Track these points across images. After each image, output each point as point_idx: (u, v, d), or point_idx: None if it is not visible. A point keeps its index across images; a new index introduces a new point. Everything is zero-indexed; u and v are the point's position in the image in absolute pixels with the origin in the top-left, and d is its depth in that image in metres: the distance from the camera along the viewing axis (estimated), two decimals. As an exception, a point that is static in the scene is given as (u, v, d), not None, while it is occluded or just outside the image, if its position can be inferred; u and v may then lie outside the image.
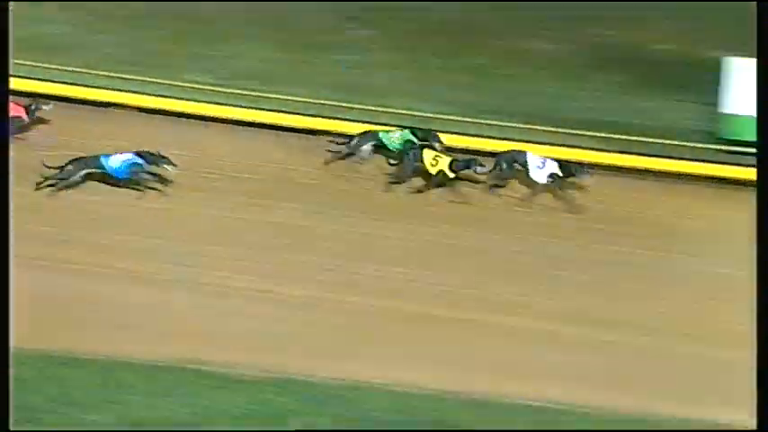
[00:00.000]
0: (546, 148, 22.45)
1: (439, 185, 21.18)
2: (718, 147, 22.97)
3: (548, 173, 21.23)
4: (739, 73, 23.02)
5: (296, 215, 20.39)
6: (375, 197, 21.21)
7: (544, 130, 22.91)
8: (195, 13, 26.09)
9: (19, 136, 21.41)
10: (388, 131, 22.05)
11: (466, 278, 19.15)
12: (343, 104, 23.25)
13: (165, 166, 20.45)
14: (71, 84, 23.10)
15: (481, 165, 21.09)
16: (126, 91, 23.13)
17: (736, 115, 23.07)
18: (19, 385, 14.04)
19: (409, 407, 15.75)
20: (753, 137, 22.91)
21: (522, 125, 22.98)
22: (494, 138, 22.54)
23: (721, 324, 18.22)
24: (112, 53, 24.40)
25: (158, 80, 23.08)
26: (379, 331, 17.77)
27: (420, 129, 22.11)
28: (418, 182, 21.16)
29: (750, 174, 22.37)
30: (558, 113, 23.47)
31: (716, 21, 25.32)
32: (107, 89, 23.09)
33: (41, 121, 22.07)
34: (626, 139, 22.89)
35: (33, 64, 22.75)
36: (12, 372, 13.60)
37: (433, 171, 21.13)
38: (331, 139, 22.19)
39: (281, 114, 22.96)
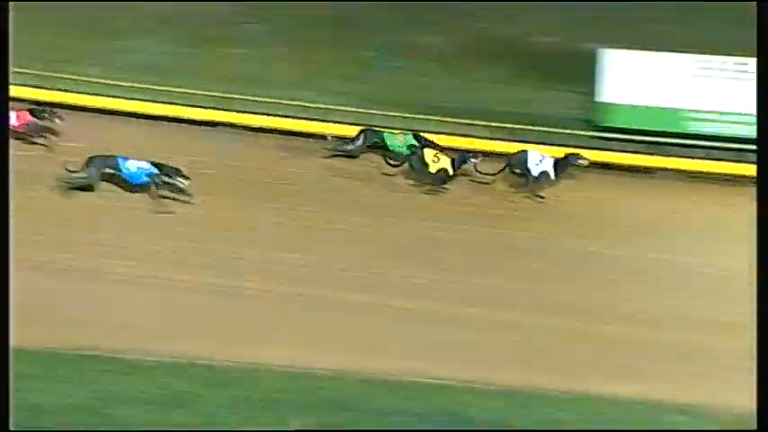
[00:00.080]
0: (436, 137, 22.65)
1: (442, 182, 21.27)
2: (596, 134, 23.34)
3: (541, 170, 21.53)
4: (614, 64, 23.38)
5: (194, 205, 20.33)
6: (267, 186, 21.24)
7: (432, 120, 23.05)
8: (92, 7, 25.78)
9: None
10: (392, 133, 22.24)
11: (361, 262, 19.22)
12: (241, 97, 23.22)
13: (178, 178, 20.23)
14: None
15: (475, 157, 21.34)
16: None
17: (612, 104, 23.43)
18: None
19: (307, 387, 15.76)
20: (627, 124, 23.43)
21: (411, 115, 23.11)
22: (386, 127, 22.68)
23: (621, 303, 18.45)
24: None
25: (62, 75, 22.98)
26: (276, 315, 17.76)
27: (420, 132, 22.31)
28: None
29: (631, 159, 22.81)
30: (444, 104, 23.58)
31: (590, 15, 25.57)
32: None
33: (51, 131, 21.81)
34: (509, 128, 23.11)
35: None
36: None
37: (434, 169, 21.35)
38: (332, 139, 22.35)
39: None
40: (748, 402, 15.27)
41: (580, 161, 21.63)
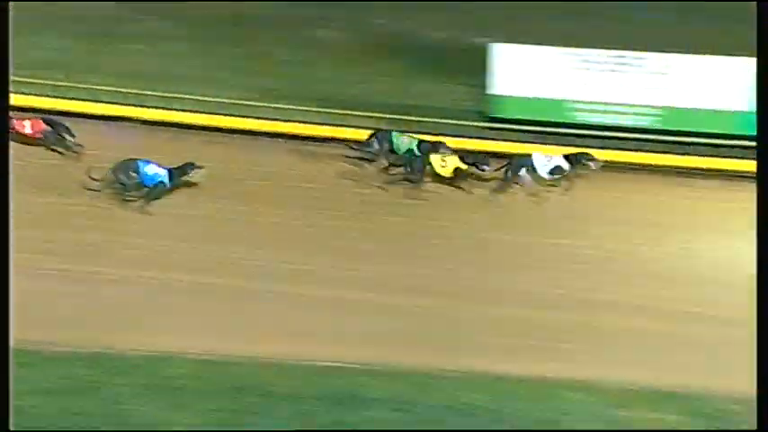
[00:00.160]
0: (339, 130, 22.62)
1: (460, 180, 21.21)
2: (487, 124, 23.47)
3: (551, 167, 21.45)
4: (503, 58, 23.54)
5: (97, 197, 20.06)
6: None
7: (330, 113, 22.99)
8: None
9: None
10: (400, 134, 22.13)
11: (263, 252, 19.11)
12: (142, 92, 22.93)
13: (193, 172, 20.22)
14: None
15: (487, 165, 21.34)
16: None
17: (502, 96, 23.59)
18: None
19: (210, 372, 15.65)
20: (517, 115, 23.58)
21: (311, 108, 23.02)
22: (286, 120, 22.61)
23: (521, 286, 18.53)
24: None
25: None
26: (180, 304, 17.60)
27: (426, 141, 22.08)
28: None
29: (517, 148, 22.96)
30: (342, 97, 23.54)
31: (480, 10, 25.71)
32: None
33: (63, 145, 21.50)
34: (405, 120, 23.15)
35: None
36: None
37: (447, 172, 21.26)
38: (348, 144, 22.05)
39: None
40: (638, 378, 15.62)
41: (591, 163, 21.56)
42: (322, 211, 20.37)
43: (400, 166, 21.50)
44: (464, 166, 21.30)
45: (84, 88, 22.76)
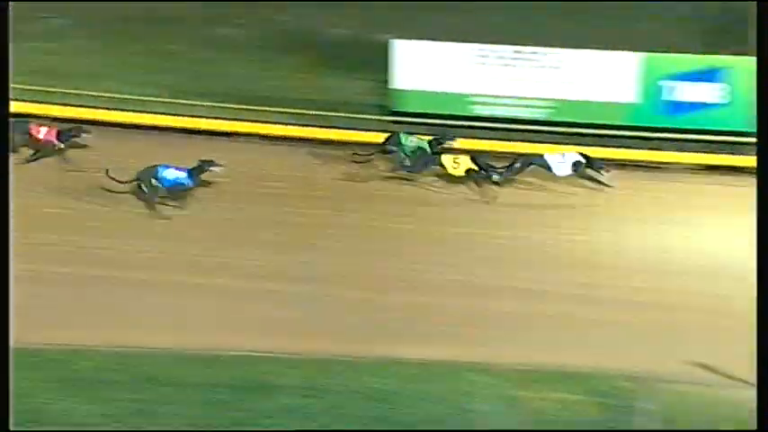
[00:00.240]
0: (247, 125, 22.52)
1: (472, 179, 21.06)
2: (391, 118, 23.51)
3: (570, 163, 21.21)
4: (405, 53, 23.58)
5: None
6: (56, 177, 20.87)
7: (236, 108, 22.84)
8: None
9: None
10: (408, 134, 21.98)
11: (166, 244, 18.99)
12: (46, 89, 22.60)
13: (212, 168, 20.00)
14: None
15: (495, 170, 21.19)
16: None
17: (405, 90, 23.64)
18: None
19: (123, 365, 15.47)
20: (419, 108, 23.63)
21: (217, 104, 22.87)
22: (196, 116, 22.46)
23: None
24: None
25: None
26: (94, 298, 17.42)
27: (435, 139, 21.94)
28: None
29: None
30: (247, 93, 23.37)
31: (381, 7, 25.68)
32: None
33: (78, 146, 21.28)
34: (310, 114, 23.07)
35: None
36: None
37: (460, 172, 21.08)
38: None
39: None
40: (537, 359, 15.77)
41: (602, 169, 21.34)
42: (219, 204, 20.25)
43: (412, 166, 21.38)
44: (476, 167, 21.13)
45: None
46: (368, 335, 16.71)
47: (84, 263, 18.29)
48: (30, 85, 22.30)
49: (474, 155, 21.42)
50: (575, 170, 21.30)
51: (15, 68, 22.51)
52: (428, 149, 21.83)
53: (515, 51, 23.28)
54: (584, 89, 23.14)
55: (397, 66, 23.41)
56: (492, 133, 22.99)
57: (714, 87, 22.69)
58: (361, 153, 21.99)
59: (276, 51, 25.01)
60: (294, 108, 22.95)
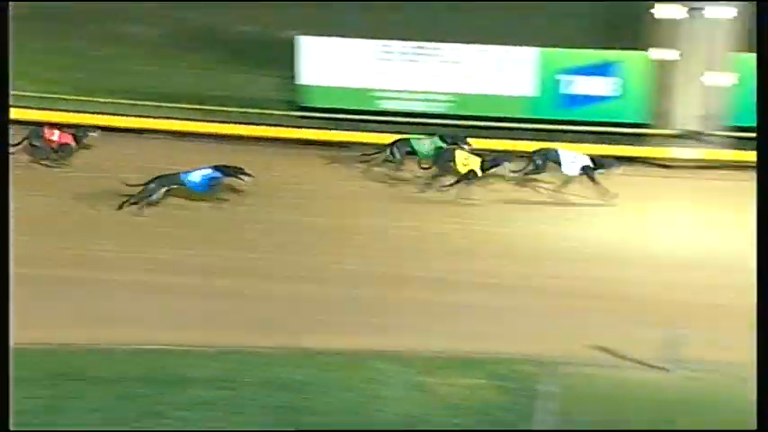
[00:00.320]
0: (150, 121, 22.19)
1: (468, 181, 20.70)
2: (298, 113, 23.38)
3: (580, 165, 20.79)
4: (311, 49, 23.45)
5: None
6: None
7: (145, 105, 22.56)
8: None
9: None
10: (418, 138, 21.62)
11: (71, 239, 18.73)
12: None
13: (241, 177, 19.64)
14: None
15: (507, 159, 20.80)
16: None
17: (311, 86, 23.53)
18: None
19: (32, 362, 15.06)
20: (325, 103, 23.54)
21: (125, 101, 22.54)
22: (106, 113, 22.12)
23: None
24: None
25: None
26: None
27: (448, 134, 21.66)
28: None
29: (332, 136, 22.91)
30: (155, 89, 23.09)
31: (286, 5, 25.50)
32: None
33: (85, 147, 21.10)
34: (219, 110, 22.86)
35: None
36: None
37: (464, 170, 20.65)
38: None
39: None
40: (443, 346, 15.75)
41: (614, 168, 20.93)
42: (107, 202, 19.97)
43: (429, 167, 21.10)
44: (479, 172, 20.77)
45: None
46: (280, 327, 16.46)
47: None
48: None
49: (485, 158, 20.96)
50: (582, 172, 20.92)
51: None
52: (443, 145, 21.57)
53: (418, 47, 23.30)
54: (485, 83, 23.22)
55: (303, 62, 23.28)
56: (398, 127, 23.02)
57: (608, 81, 22.91)
58: (368, 153, 21.82)
59: (183, 49, 24.74)
60: (202, 105, 22.70)
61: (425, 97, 23.45)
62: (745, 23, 21.87)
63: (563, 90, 23.08)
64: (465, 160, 20.91)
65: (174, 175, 19.79)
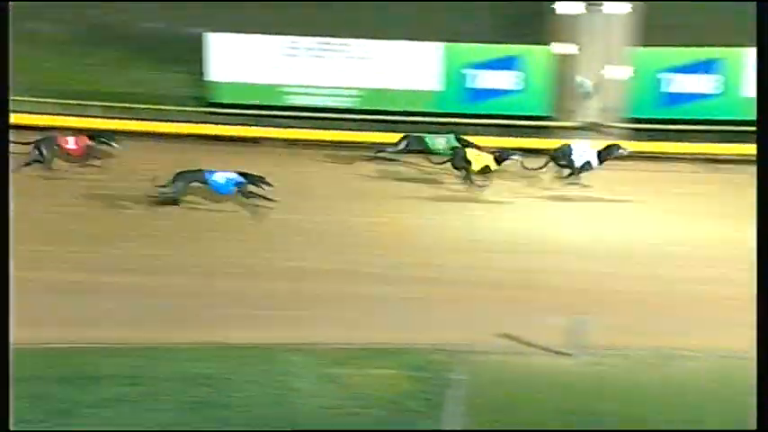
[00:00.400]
0: (59, 119, 21.74)
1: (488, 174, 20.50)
2: (208, 110, 23.05)
3: (584, 160, 20.58)
4: (219, 46, 23.12)
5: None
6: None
7: (54, 103, 22.08)
8: None
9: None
10: (432, 136, 21.38)
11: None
12: None
13: (262, 185, 19.17)
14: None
15: (516, 153, 20.65)
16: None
17: (220, 82, 23.20)
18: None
19: None
20: (234, 99, 23.21)
21: (33, 99, 22.00)
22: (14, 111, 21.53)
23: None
24: None
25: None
26: None
27: (463, 138, 21.39)
28: None
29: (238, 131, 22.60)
30: (62, 87, 22.58)
31: (192, 2, 25.13)
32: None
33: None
34: (129, 107, 22.44)
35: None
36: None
37: (478, 167, 20.39)
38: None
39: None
40: (353, 338, 15.59)
41: (621, 151, 20.73)
42: (40, 199, 19.44)
43: (443, 163, 20.85)
44: (493, 166, 20.56)
45: None
46: (190, 321, 16.12)
47: None
48: None
49: (497, 155, 20.77)
50: (584, 168, 20.74)
51: None
52: (458, 144, 21.32)
53: (324, 43, 23.09)
54: (391, 78, 23.09)
55: (212, 58, 22.94)
56: (307, 122, 22.81)
57: (511, 75, 22.92)
58: (387, 150, 21.56)
59: (90, 45, 24.21)
60: (109, 101, 22.25)
61: (333, 92, 23.26)
62: (639, 19, 22.07)
63: (467, 84, 23.04)
64: (477, 157, 20.79)
65: (197, 171, 19.51)
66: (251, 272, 17.66)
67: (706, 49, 22.39)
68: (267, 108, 23.00)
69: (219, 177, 19.52)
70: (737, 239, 18.65)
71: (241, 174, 19.54)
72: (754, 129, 21.43)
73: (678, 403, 14.12)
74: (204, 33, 22.84)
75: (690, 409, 13.96)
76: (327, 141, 22.44)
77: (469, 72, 23.00)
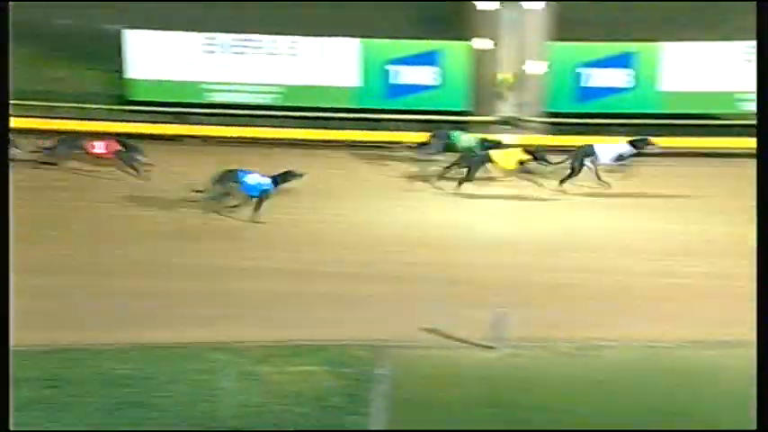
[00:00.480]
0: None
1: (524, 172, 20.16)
2: (127, 107, 22.60)
3: (615, 154, 20.30)
4: (137, 43, 22.70)
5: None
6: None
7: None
8: None
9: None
10: (458, 133, 21.10)
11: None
12: None
13: (291, 179, 18.94)
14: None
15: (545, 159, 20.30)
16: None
17: (139, 80, 22.77)
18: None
19: None
20: (155, 97, 22.79)
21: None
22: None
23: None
24: None
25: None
26: None
27: (489, 140, 21.07)
28: None
29: (158, 128, 22.17)
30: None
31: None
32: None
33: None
34: (45, 106, 21.95)
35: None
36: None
37: (511, 165, 20.04)
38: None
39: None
40: (275, 335, 15.30)
41: (650, 147, 20.41)
42: None
43: (457, 164, 20.34)
44: (527, 157, 20.15)
45: None
46: (111, 322, 15.66)
47: None
48: None
49: (530, 150, 20.41)
50: (619, 162, 20.53)
51: None
52: (477, 148, 20.88)
53: (243, 39, 22.78)
54: (310, 74, 22.85)
55: (130, 55, 22.52)
56: (229, 119, 22.50)
57: (430, 70, 22.79)
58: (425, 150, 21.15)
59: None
60: (24, 99, 21.69)
61: (253, 89, 22.97)
62: (554, 15, 22.10)
63: (387, 80, 22.86)
64: (506, 155, 20.42)
65: (232, 171, 19.07)
66: (171, 271, 17.26)
67: (622, 43, 22.52)
68: (188, 105, 22.65)
69: (252, 179, 19.07)
70: (651, 230, 18.82)
71: (274, 178, 19.11)
72: (668, 122, 22.11)
73: (597, 392, 14.10)
74: (122, 30, 22.40)
75: (609, 398, 13.95)
76: (249, 138, 22.14)
77: (388, 68, 22.81)
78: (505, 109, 22.57)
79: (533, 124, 22.55)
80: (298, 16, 24.08)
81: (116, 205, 19.54)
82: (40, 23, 24.08)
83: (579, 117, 22.19)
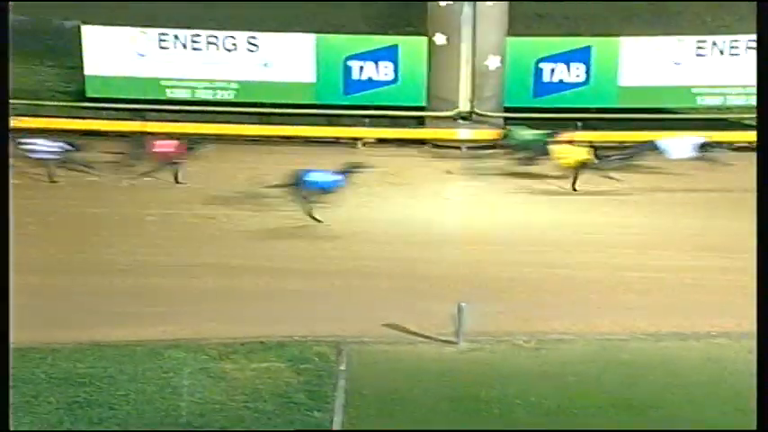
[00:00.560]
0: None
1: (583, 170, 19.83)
2: (87, 104, 22.31)
3: (690, 145, 19.97)
4: (95, 39, 22.43)
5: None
6: None
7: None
8: None
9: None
10: (520, 129, 20.89)
11: None
12: None
13: (361, 171, 18.83)
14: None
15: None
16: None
17: (98, 76, 22.47)
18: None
19: None
20: (114, 94, 22.50)
21: None
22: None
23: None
24: None
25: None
26: None
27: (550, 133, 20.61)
28: None
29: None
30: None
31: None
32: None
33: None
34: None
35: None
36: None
37: (571, 162, 19.72)
38: None
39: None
40: (235, 332, 15.12)
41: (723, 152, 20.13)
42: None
43: (523, 149, 20.46)
44: (589, 157, 19.75)
45: None
46: (70, 321, 15.31)
47: None
48: None
49: (593, 146, 20.18)
50: (699, 154, 20.21)
51: None
52: (540, 141, 20.55)
53: (198, 35, 22.56)
54: (267, 70, 22.66)
55: (89, 52, 22.24)
56: (188, 116, 22.28)
57: (387, 66, 22.65)
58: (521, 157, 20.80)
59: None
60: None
61: (211, 85, 22.75)
62: (513, 10, 22.07)
63: (344, 75, 22.70)
64: (565, 153, 20.07)
65: (302, 170, 18.71)
66: (132, 269, 16.90)
67: (580, 38, 22.49)
68: (147, 102, 22.42)
69: (318, 177, 18.73)
70: (620, 224, 18.81)
71: (343, 172, 18.80)
72: (627, 116, 22.09)
73: (556, 386, 14.07)
74: (80, 26, 22.14)
75: (565, 391, 13.92)
76: (211, 135, 21.89)
77: (344, 63, 22.65)
78: (464, 104, 22.50)
79: (489, 118, 22.49)
80: (255, 12, 23.92)
81: (64, 203, 19.30)
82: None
83: (537, 112, 22.15)
